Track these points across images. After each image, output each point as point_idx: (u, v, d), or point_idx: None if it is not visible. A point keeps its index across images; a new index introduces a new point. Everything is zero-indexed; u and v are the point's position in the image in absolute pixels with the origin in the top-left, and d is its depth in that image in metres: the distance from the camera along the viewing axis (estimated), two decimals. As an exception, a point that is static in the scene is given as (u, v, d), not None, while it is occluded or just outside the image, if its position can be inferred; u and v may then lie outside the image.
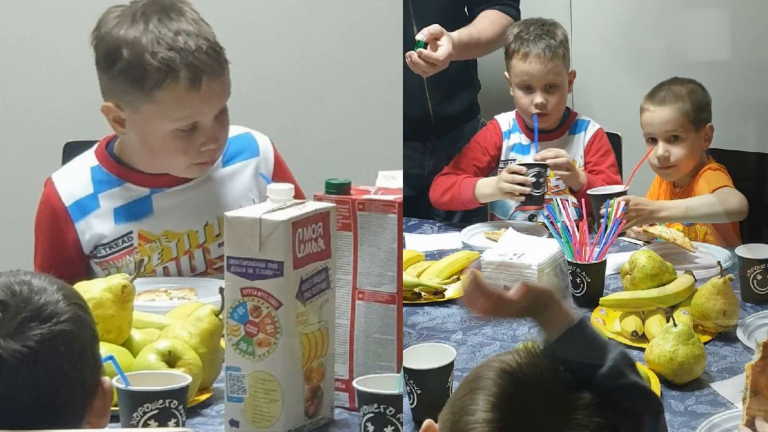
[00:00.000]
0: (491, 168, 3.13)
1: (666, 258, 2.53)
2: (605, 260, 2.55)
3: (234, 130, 2.53)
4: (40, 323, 1.43)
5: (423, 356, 2.00)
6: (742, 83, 3.49)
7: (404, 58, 2.97)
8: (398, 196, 1.95)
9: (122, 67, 2.34)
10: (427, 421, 1.42)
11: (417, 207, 3.17)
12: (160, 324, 2.14)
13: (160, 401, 1.80)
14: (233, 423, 1.87)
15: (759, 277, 2.47)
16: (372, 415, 1.82)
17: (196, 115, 2.38)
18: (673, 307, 2.35)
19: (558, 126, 3.11)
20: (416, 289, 2.55)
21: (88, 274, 2.48)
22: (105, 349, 1.73)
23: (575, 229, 2.56)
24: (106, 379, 1.52)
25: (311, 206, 1.89)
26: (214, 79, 2.37)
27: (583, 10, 3.62)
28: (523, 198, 2.92)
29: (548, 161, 2.92)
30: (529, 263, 2.47)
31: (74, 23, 2.99)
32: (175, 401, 1.81)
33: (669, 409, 2.00)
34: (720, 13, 3.52)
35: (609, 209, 2.64)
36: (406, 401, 1.94)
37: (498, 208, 3.15)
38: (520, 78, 3.04)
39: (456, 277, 2.64)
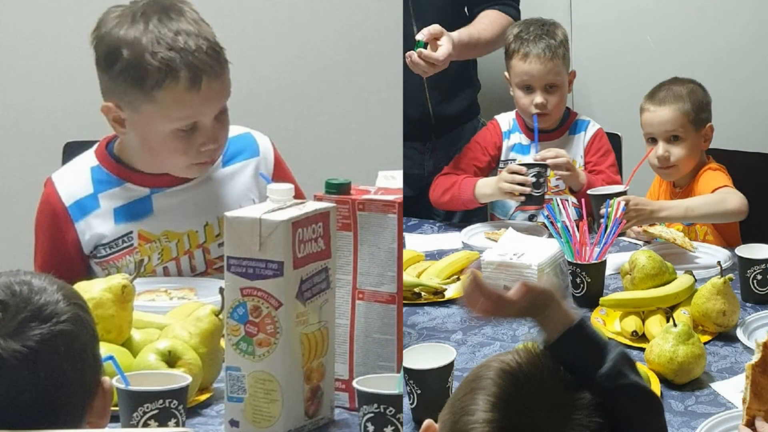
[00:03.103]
0: (491, 168, 3.13)
1: (666, 258, 2.53)
2: (605, 260, 2.55)
3: (234, 130, 2.53)
4: (40, 323, 1.43)
5: (423, 356, 2.00)
6: (742, 83, 3.49)
7: (404, 58, 2.97)
8: (398, 196, 1.95)
9: (122, 67, 2.34)
10: (427, 421, 1.42)
11: (417, 207, 3.17)
12: (160, 324, 2.14)
13: (160, 401, 1.80)
14: (233, 423, 1.87)
15: (759, 277, 2.47)
16: (372, 415, 1.82)
17: (196, 115, 2.37)
18: (673, 307, 2.35)
19: (558, 126, 3.11)
20: (416, 289, 2.55)
21: (88, 274, 2.47)
22: (105, 349, 1.73)
23: (575, 229, 2.56)
24: (106, 379, 1.52)
25: (311, 206, 1.89)
26: (214, 79, 2.37)
27: (583, 10, 3.63)
28: (523, 198, 2.92)
29: (548, 161, 2.92)
30: (529, 263, 2.47)
31: (74, 23, 2.99)
32: (175, 401, 1.81)
33: (669, 409, 2.00)
34: (720, 13, 3.53)
35: (609, 209, 2.64)
36: (406, 401, 1.95)
37: (498, 208, 3.15)
38: (520, 78, 3.04)
39: (456, 277, 2.64)
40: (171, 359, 1.94)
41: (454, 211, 3.21)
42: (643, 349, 2.18)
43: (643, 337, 2.29)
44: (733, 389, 2.06)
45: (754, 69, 3.50)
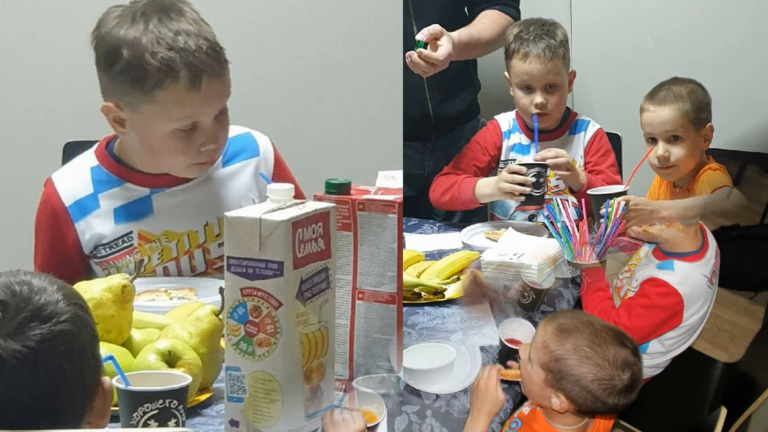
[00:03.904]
0: (491, 168, 3.13)
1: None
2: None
3: (234, 130, 2.53)
4: (40, 323, 1.43)
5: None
6: (742, 83, 3.49)
7: (404, 58, 2.97)
8: (398, 196, 1.95)
9: (122, 67, 2.34)
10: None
11: (417, 207, 3.18)
12: (160, 324, 2.14)
13: (160, 401, 1.80)
14: (233, 423, 1.87)
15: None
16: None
17: (196, 115, 2.37)
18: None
19: (558, 126, 3.11)
20: (416, 289, 2.55)
21: (88, 274, 2.48)
22: (105, 349, 1.73)
23: (575, 229, 2.56)
24: (106, 379, 1.52)
25: (311, 206, 1.89)
26: (214, 79, 2.37)
27: (583, 10, 3.63)
28: (523, 198, 2.92)
29: (548, 161, 2.92)
30: (529, 263, 2.48)
31: (74, 23, 3.00)
32: (175, 401, 1.81)
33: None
34: (720, 13, 3.53)
35: (609, 209, 2.64)
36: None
37: (498, 208, 3.15)
38: (520, 78, 3.04)
39: (456, 277, 2.64)
40: (171, 359, 1.94)
41: (454, 211, 3.21)
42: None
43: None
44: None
45: (754, 69, 3.50)
